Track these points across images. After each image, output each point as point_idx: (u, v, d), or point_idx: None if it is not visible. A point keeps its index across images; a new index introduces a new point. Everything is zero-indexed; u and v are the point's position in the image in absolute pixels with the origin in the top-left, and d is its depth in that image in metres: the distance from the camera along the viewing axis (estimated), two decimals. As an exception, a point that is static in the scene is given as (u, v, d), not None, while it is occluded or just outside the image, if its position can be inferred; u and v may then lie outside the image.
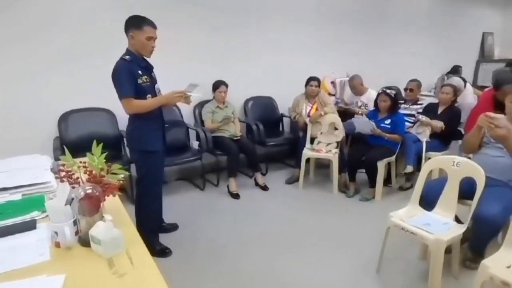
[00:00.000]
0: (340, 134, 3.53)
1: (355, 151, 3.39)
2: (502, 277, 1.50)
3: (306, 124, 3.65)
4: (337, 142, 3.51)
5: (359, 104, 4.10)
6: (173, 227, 2.64)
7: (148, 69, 2.15)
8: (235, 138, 3.48)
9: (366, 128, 3.25)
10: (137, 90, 2.02)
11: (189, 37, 3.57)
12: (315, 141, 3.58)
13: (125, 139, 2.63)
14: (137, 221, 2.19)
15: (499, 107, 2.38)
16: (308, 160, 3.56)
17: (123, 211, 1.41)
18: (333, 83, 4.60)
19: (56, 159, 2.15)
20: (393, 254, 2.22)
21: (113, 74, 2.02)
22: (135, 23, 2.01)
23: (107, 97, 2.41)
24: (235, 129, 3.58)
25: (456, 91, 3.51)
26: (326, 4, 4.48)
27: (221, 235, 2.60)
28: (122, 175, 1.28)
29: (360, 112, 3.96)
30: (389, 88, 3.32)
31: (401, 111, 3.46)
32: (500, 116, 1.99)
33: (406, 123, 3.43)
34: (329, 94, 4.37)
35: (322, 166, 3.90)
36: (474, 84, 5.96)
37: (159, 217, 2.51)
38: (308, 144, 3.59)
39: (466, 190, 1.99)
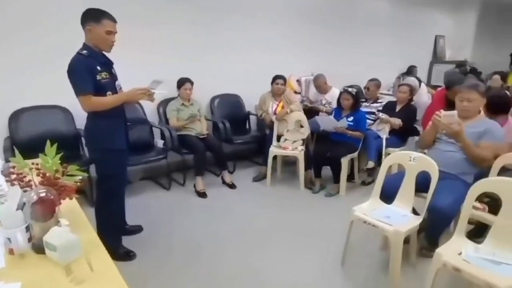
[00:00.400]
0: (305, 132, 3.60)
1: (320, 148, 3.47)
2: (453, 264, 1.61)
3: (272, 122, 3.68)
4: (303, 140, 3.58)
5: (324, 102, 4.21)
6: (137, 229, 2.55)
7: (108, 65, 2.05)
8: (202, 136, 3.43)
9: (329, 125, 3.35)
10: (96, 87, 1.92)
11: (153, 33, 3.45)
12: (282, 139, 3.63)
13: (83, 138, 2.50)
14: (97, 224, 2.09)
15: (451, 105, 2.55)
16: (275, 158, 3.60)
17: (81, 215, 1.35)
18: (298, 81, 4.68)
19: (7, 160, 1.99)
20: (356, 247, 2.31)
21: (69, 69, 1.91)
22: (93, 16, 1.91)
23: (62, 94, 2.28)
24: (201, 127, 3.53)
25: (412, 90, 3.72)
26: (291, 4, 4.54)
27: (188, 235, 2.56)
28: (80, 177, 1.22)
29: (324, 110, 4.07)
30: (351, 87, 3.43)
31: (363, 109, 3.61)
32: (454, 112, 2.13)
33: (367, 121, 3.57)
34: (295, 92, 4.44)
35: (289, 163, 3.96)
36: (428, 84, 6.35)
37: (121, 219, 2.42)
38: (274, 142, 3.63)
39: (422, 183, 2.11)
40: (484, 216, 2.01)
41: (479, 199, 1.94)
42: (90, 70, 1.90)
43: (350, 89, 3.33)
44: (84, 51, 1.93)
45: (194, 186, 3.30)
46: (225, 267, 2.19)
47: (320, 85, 4.25)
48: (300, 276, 2.12)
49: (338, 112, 3.46)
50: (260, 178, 3.66)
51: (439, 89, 4.83)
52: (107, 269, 1.02)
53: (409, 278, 2.07)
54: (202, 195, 3.23)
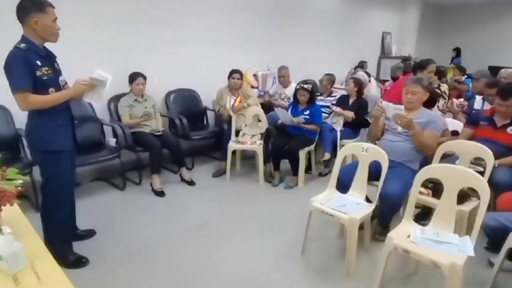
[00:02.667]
0: (263, 126, 3.64)
1: (278, 141, 3.53)
2: (403, 246, 1.73)
3: (230, 117, 3.66)
4: (261, 134, 3.61)
5: (282, 96, 4.27)
6: (90, 234, 2.40)
7: (50, 58, 1.89)
8: (157, 133, 3.31)
9: (287, 118, 3.41)
10: (36, 84, 1.76)
11: (101, 25, 3.25)
12: (240, 133, 3.63)
13: (24, 139, 2.30)
14: (44, 231, 1.95)
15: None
16: (234, 152, 3.59)
17: (25, 221, 1.25)
18: (255, 76, 4.70)
19: None
20: (315, 235, 2.40)
21: (5, 65, 1.75)
22: (37, 6, 1.75)
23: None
24: (156, 124, 3.41)
25: (360, 83, 3.90)
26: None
27: (145, 236, 2.47)
28: (20, 181, 1.12)
29: (283, 104, 4.12)
30: (306, 82, 3.51)
31: (318, 103, 3.72)
32: (401, 106, 2.27)
33: (323, 114, 3.68)
34: (252, 86, 4.45)
35: (248, 157, 3.98)
36: (377, 78, 6.71)
37: (71, 224, 2.26)
38: (233, 137, 3.61)
39: (374, 172, 2.23)
40: (429, 200, 2.18)
41: (424, 184, 2.10)
42: (28, 65, 1.74)
43: (305, 86, 3.41)
44: (23, 45, 1.76)
45: (151, 185, 3.18)
46: (183, 265, 2.14)
47: (285, 76, 4.25)
48: (261, 267, 2.15)
49: (294, 106, 3.53)
50: (220, 173, 3.64)
51: (386, 83, 5.12)
52: (56, 277, 0.95)
53: (364, 262, 2.18)
54: (160, 193, 3.13)
